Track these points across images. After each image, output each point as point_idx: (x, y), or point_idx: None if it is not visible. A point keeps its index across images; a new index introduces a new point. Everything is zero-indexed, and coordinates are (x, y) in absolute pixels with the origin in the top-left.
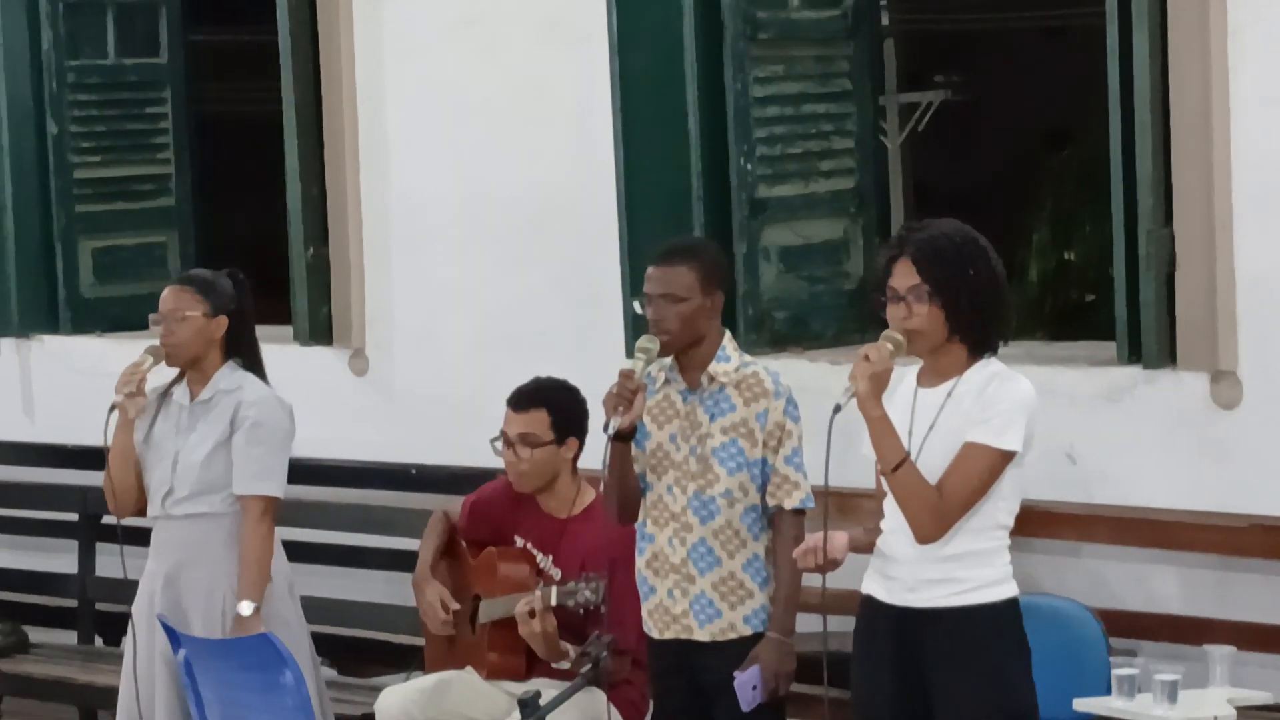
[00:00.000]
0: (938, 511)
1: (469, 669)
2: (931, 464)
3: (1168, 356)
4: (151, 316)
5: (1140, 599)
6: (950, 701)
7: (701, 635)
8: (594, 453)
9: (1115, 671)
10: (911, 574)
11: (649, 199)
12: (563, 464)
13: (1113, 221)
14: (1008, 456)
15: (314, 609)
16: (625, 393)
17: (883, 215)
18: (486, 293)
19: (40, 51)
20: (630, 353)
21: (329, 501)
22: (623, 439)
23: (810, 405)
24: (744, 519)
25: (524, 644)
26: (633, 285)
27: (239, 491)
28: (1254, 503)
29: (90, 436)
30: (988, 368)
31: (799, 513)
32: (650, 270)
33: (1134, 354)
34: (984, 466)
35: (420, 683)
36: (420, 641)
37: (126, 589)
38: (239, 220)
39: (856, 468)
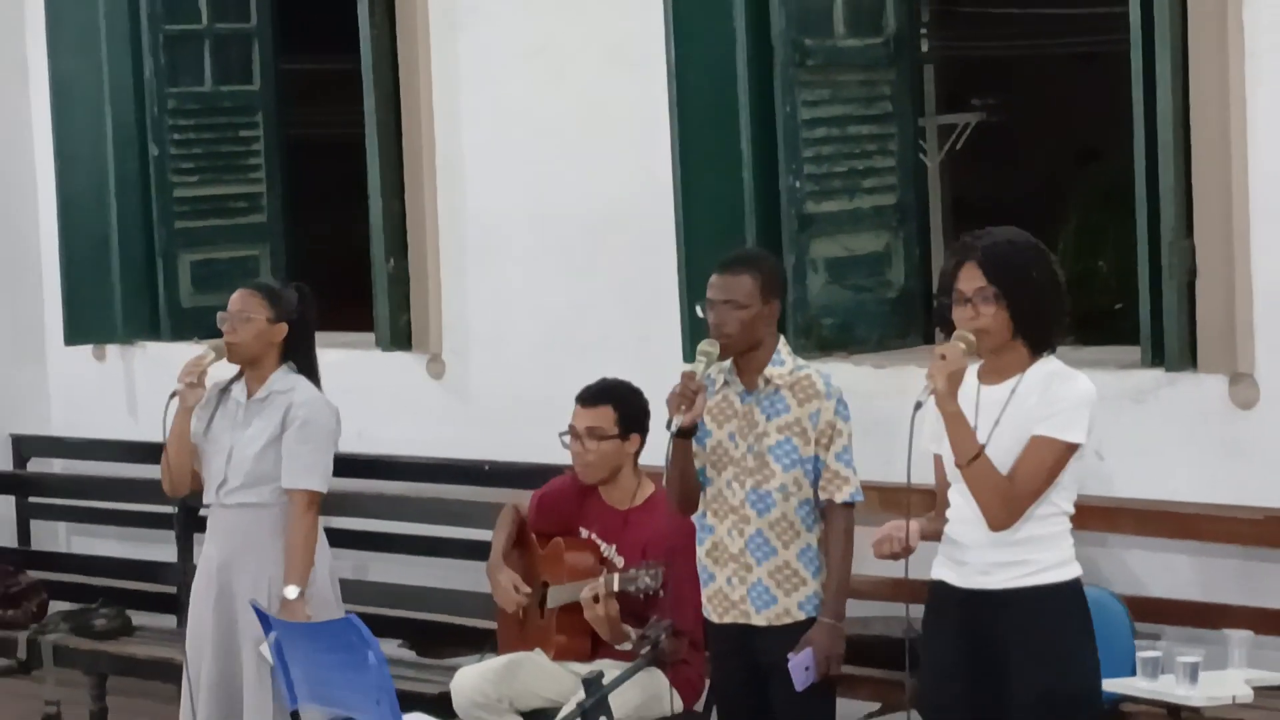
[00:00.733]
0: (1010, 500)
1: (538, 650)
2: (998, 456)
3: (1189, 360)
4: (220, 315)
5: (1163, 586)
6: (1020, 677)
7: (758, 620)
8: (655, 450)
9: (1140, 654)
10: (982, 559)
11: (704, 213)
12: (626, 458)
13: (1137, 233)
14: (1072, 448)
15: (395, 595)
16: (687, 392)
17: (922, 229)
18: (554, 300)
19: (143, 80)
20: (686, 356)
21: (409, 495)
22: (684, 436)
23: (856, 406)
24: (798, 511)
25: (589, 627)
26: (690, 294)
27: (287, 485)
28: (1270, 496)
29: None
30: (1047, 366)
31: (849, 506)
32: (714, 278)
33: (1157, 357)
34: (1051, 458)
35: (493, 663)
36: (493, 625)
37: (192, 570)
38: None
39: (903, 464)
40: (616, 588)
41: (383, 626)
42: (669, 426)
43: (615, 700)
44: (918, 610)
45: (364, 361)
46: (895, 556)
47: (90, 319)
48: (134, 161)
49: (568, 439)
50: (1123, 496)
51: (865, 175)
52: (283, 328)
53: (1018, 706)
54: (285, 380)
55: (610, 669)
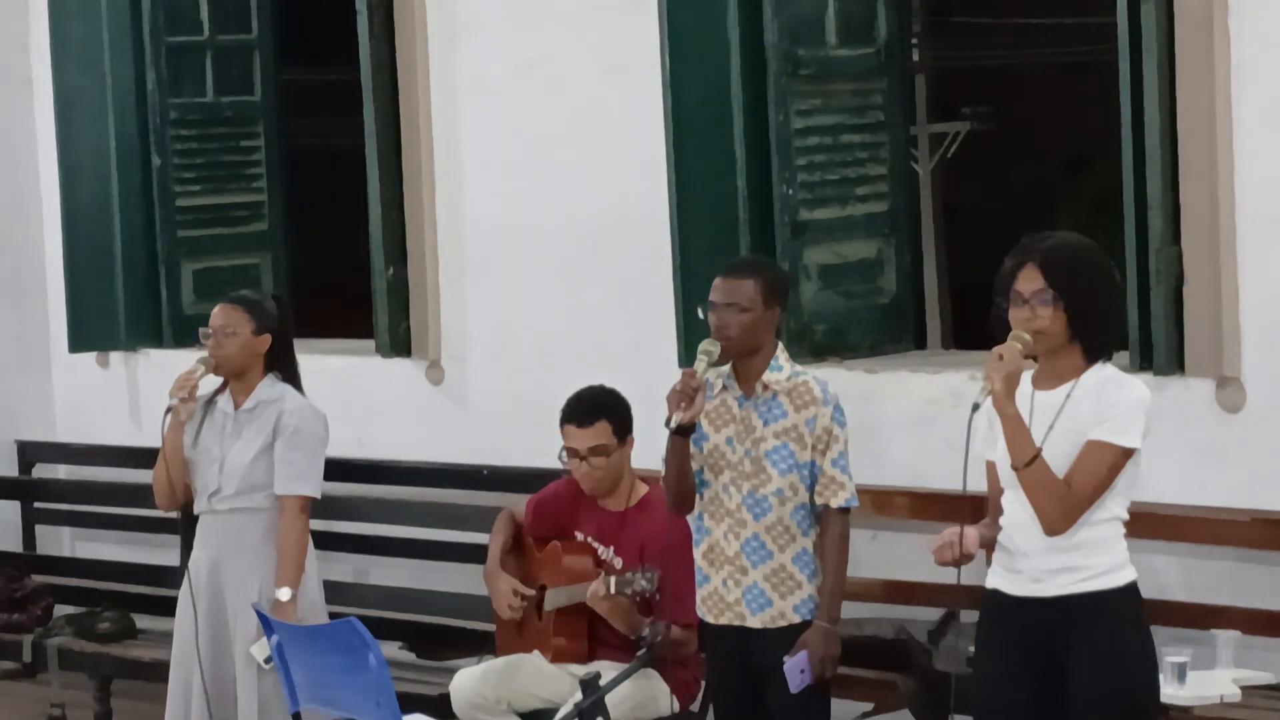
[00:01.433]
0: (1066, 504)
1: (536, 653)
2: (1053, 460)
3: (1176, 364)
4: (202, 330)
5: (1152, 587)
6: (1076, 683)
7: (754, 622)
8: (647, 452)
9: None
10: (1036, 565)
11: (699, 222)
12: (626, 460)
13: (1125, 240)
14: (1128, 453)
15: (394, 598)
16: (688, 389)
17: (914, 236)
18: (551, 308)
19: (145, 91)
20: (683, 363)
21: (408, 500)
22: (683, 433)
23: (848, 410)
24: (794, 516)
25: (586, 629)
26: (686, 301)
27: (280, 491)
28: (1256, 498)
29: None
30: (1103, 371)
31: (844, 510)
32: (718, 281)
33: (1145, 362)
34: (1108, 462)
35: (491, 665)
36: (492, 627)
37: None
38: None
39: (894, 467)
40: (612, 590)
41: (383, 629)
42: (668, 424)
43: (612, 701)
44: (916, 613)
45: (364, 368)
46: (955, 563)
47: (94, 327)
48: (137, 172)
49: (565, 458)
50: None
51: (857, 183)
52: (266, 339)
53: (1075, 714)
54: (272, 390)
55: (607, 670)
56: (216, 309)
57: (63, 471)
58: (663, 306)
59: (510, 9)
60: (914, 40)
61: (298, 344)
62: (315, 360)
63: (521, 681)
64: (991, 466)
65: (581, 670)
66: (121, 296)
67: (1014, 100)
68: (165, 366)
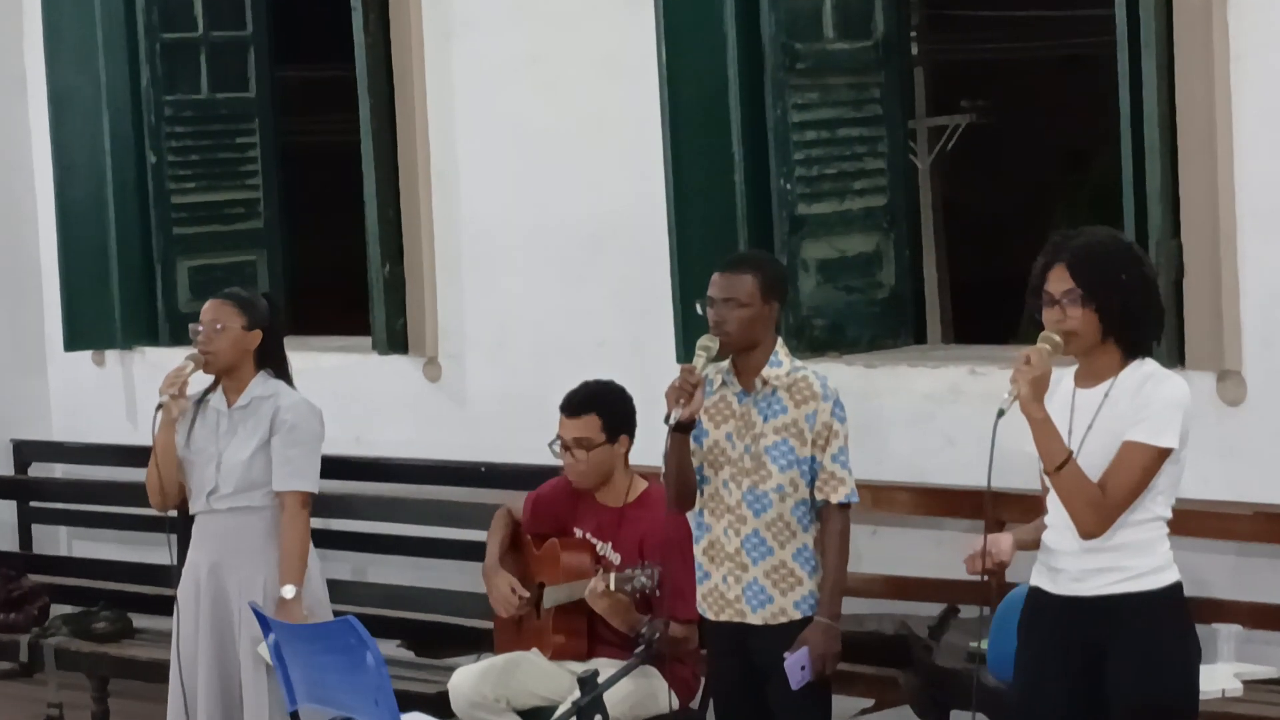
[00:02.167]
0: (1100, 508)
1: (535, 650)
2: (1091, 461)
3: (1177, 358)
4: (193, 326)
5: None
6: (1116, 685)
7: (754, 619)
8: (647, 449)
9: None
10: (1077, 565)
11: (697, 218)
12: (617, 460)
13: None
14: (1165, 453)
15: (393, 596)
16: (687, 386)
17: (913, 230)
18: (549, 306)
19: (140, 88)
20: (681, 360)
21: (406, 497)
22: (683, 430)
23: (847, 406)
24: (794, 512)
25: (585, 626)
26: (684, 297)
27: (279, 488)
28: (1258, 492)
29: None
30: (1141, 368)
31: (845, 506)
32: (716, 276)
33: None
34: (1144, 464)
35: (490, 663)
36: (490, 625)
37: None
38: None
39: (893, 463)
40: (612, 588)
41: (381, 627)
42: (667, 420)
43: (611, 699)
44: (916, 608)
45: (361, 365)
46: (988, 574)
47: (90, 325)
48: (132, 169)
49: (557, 449)
50: None
51: (856, 177)
52: (257, 334)
53: (1116, 712)
54: (265, 386)
55: (606, 668)
56: (207, 304)
57: (59, 471)
58: (661, 302)
59: (506, 5)
60: (912, 33)
61: (294, 342)
62: (312, 358)
63: (520, 679)
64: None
65: (580, 668)
66: (117, 294)
67: (1013, 94)
68: (161, 365)
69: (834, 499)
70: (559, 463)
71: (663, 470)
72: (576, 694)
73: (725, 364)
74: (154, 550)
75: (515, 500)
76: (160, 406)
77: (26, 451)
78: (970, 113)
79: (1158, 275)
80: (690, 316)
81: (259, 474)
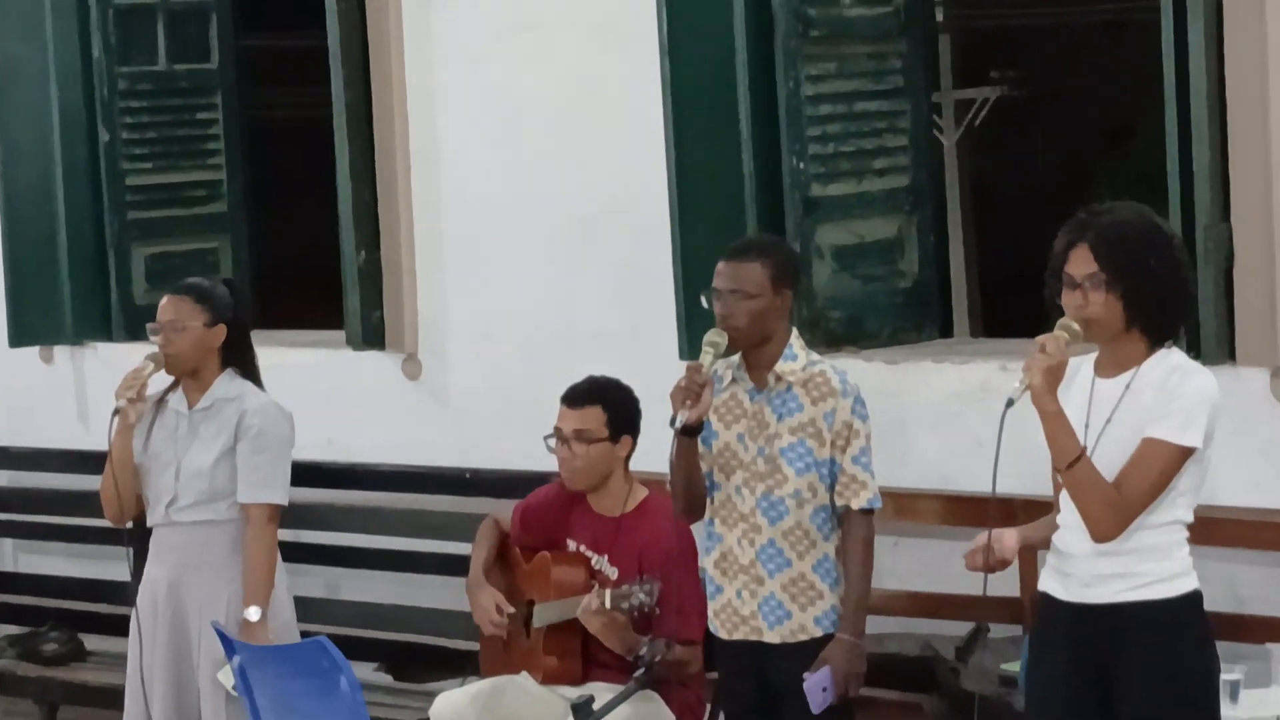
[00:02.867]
0: (1115, 509)
1: (524, 674)
2: (1108, 458)
3: (1226, 352)
4: (150, 326)
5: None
6: (1128, 699)
7: (771, 637)
8: (648, 453)
9: None
10: (1088, 570)
11: (701, 199)
12: (616, 462)
13: (1169, 217)
14: (1188, 453)
15: (369, 614)
16: (693, 385)
17: (938, 213)
18: (539, 295)
19: (91, 59)
20: (684, 354)
21: (383, 507)
22: (690, 433)
23: (867, 405)
24: (813, 519)
25: (579, 647)
26: (687, 286)
27: (244, 500)
28: None
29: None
30: (1168, 359)
31: (868, 512)
32: (721, 265)
33: (1192, 350)
34: (1164, 463)
35: (475, 687)
36: (475, 646)
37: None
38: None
39: (917, 468)
40: (608, 605)
41: (356, 649)
42: (673, 423)
43: None
44: (942, 627)
45: (334, 362)
46: (987, 569)
47: (37, 318)
48: (82, 148)
49: (553, 442)
50: None
51: (875, 155)
52: (220, 330)
53: None
54: (230, 387)
55: (602, 693)
56: (164, 301)
57: (3, 478)
58: (662, 293)
59: None
60: None
61: (261, 335)
62: (280, 354)
63: (508, 705)
64: None
65: (574, 693)
66: (66, 285)
67: (1047, 64)
68: (115, 362)
69: (855, 504)
70: (551, 469)
71: (668, 477)
72: None
73: (735, 358)
74: (107, 565)
75: (503, 509)
76: (117, 411)
77: None
78: (1000, 84)
79: (1189, 258)
80: (694, 307)
81: (222, 484)
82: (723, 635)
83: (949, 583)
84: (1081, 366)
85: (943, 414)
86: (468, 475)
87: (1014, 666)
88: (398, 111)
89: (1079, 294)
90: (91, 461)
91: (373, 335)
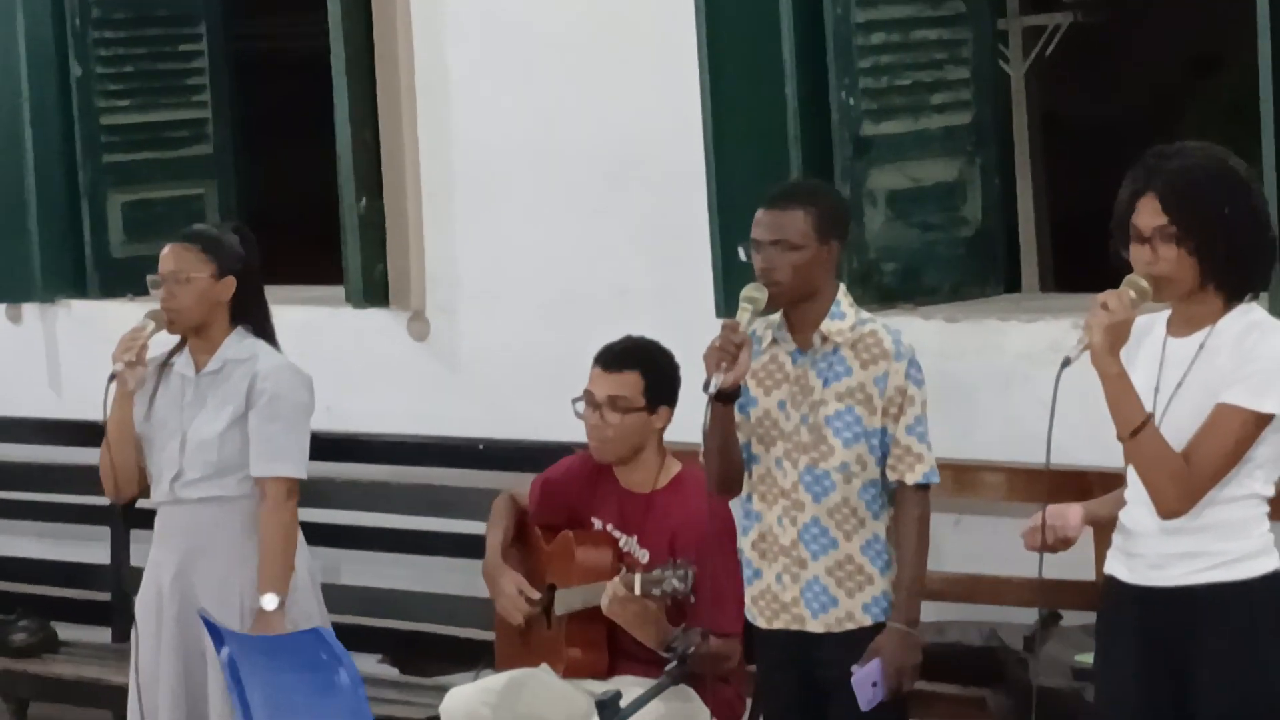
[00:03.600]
0: (1183, 482)
1: (544, 666)
2: (1178, 425)
3: None
4: (150, 278)
5: None
6: (1201, 691)
7: (815, 626)
8: (683, 424)
9: None
10: (1155, 549)
11: (740, 141)
12: (650, 434)
13: (1262, 155)
14: (1265, 420)
15: (372, 601)
16: (729, 346)
17: (1004, 153)
18: (561, 248)
19: None
20: (720, 312)
21: (386, 481)
22: (725, 399)
23: (925, 367)
24: (862, 495)
25: (605, 638)
26: (723, 237)
27: (257, 473)
28: None
29: None
30: (1247, 316)
31: (923, 488)
32: (760, 214)
33: (1275, 304)
34: (1238, 431)
35: (491, 682)
36: (490, 636)
37: (137, 578)
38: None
39: (981, 437)
40: (638, 591)
41: (358, 639)
42: (706, 388)
43: None
44: (1009, 614)
45: (332, 321)
46: (1049, 549)
47: (2, 274)
48: (52, 84)
49: (581, 407)
50: None
51: (934, 90)
52: (230, 283)
53: None
54: (241, 347)
55: (631, 688)
56: (166, 250)
57: None
58: (696, 244)
59: None
60: None
61: None
62: (273, 312)
63: (527, 701)
64: None
65: (600, 688)
66: (36, 236)
67: None
68: (90, 321)
69: (910, 479)
70: (574, 439)
71: (701, 448)
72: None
73: (776, 317)
74: (83, 547)
75: (521, 484)
76: (114, 376)
77: None
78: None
79: (1267, 203)
80: (732, 261)
81: (232, 455)
82: (761, 624)
83: (1016, 565)
84: (1155, 325)
85: (1010, 377)
86: (481, 446)
87: (1088, 658)
88: (402, 42)
89: (1147, 249)
90: (64, 431)
91: (375, 292)
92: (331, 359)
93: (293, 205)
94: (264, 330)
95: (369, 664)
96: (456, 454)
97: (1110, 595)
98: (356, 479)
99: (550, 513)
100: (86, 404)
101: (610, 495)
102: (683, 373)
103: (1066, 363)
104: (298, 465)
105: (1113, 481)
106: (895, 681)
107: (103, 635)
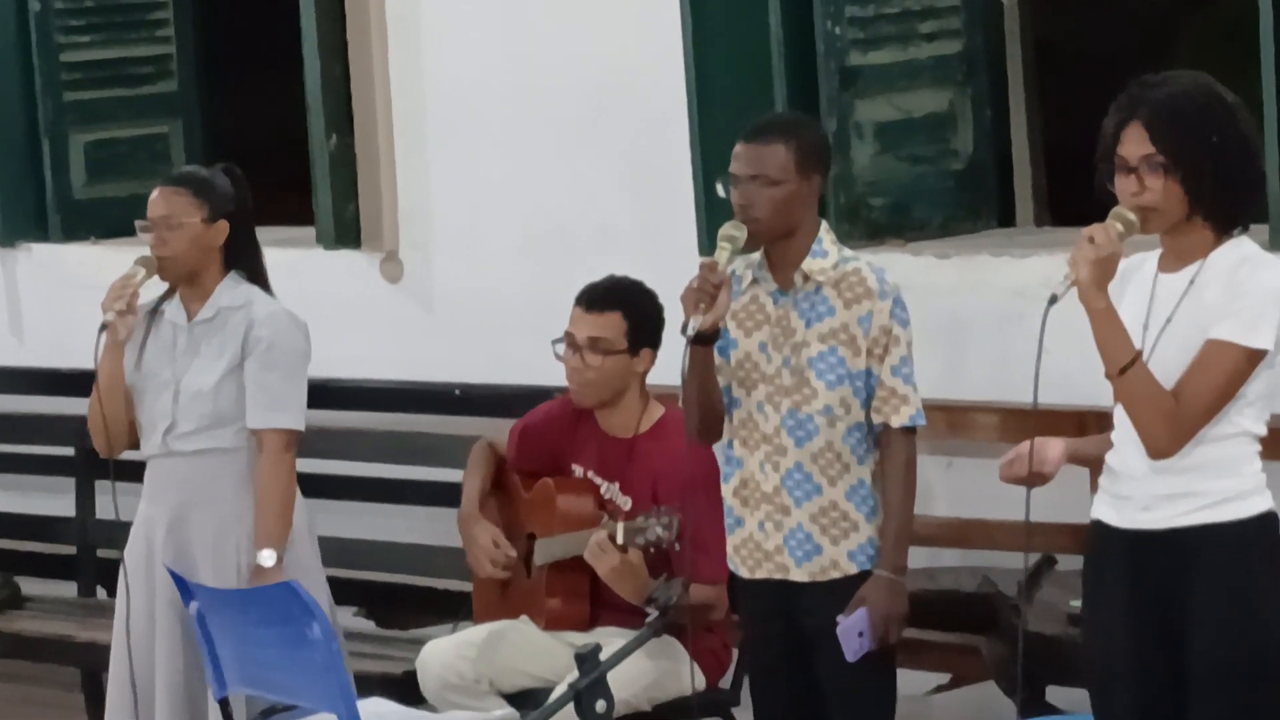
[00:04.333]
0: (1173, 421)
1: (524, 618)
2: (1167, 362)
3: None
4: (139, 223)
5: None
6: (1194, 636)
7: (799, 574)
8: (666, 367)
9: None
10: (1144, 490)
11: (722, 71)
12: (632, 377)
13: (1261, 81)
14: (1258, 355)
15: (345, 552)
16: (707, 286)
17: (996, 82)
18: (539, 185)
19: None
20: (703, 250)
21: (359, 428)
22: (704, 341)
23: (915, 305)
24: (846, 440)
25: (587, 588)
26: (706, 172)
27: (254, 425)
28: None
29: (88, 359)
30: (1238, 249)
31: (909, 431)
32: (738, 148)
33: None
34: (1230, 367)
35: (469, 635)
36: (468, 588)
37: (125, 534)
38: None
39: (973, 377)
40: (620, 540)
41: (332, 591)
42: (685, 330)
43: (619, 679)
44: (1003, 559)
45: (302, 263)
46: (1024, 481)
47: None
48: (10, 19)
49: (562, 349)
50: None
51: (923, 17)
52: (222, 227)
53: (1195, 671)
54: (235, 293)
55: (614, 640)
56: (155, 194)
57: None
58: (677, 180)
59: None
60: None
61: None
62: None
63: (507, 655)
64: None
65: (581, 640)
66: None
67: None
68: (51, 265)
69: (895, 422)
70: (553, 383)
71: (681, 393)
72: (576, 674)
73: (756, 256)
74: (49, 499)
75: (499, 430)
76: (105, 326)
77: None
78: None
79: (1258, 130)
80: (715, 197)
81: (228, 406)
82: (744, 573)
83: (1009, 509)
84: (1146, 262)
85: (1003, 314)
86: (457, 392)
87: None
88: None
89: (1134, 179)
90: (26, 379)
91: (347, 232)
92: (302, 302)
93: (261, 144)
94: (258, 276)
95: (344, 617)
96: (432, 399)
97: (1097, 540)
98: (329, 426)
99: (529, 460)
100: (48, 351)
101: (591, 441)
102: (665, 314)
103: (1053, 300)
104: (296, 416)
105: (1109, 422)
106: (882, 631)
107: (68, 589)
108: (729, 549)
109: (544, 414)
